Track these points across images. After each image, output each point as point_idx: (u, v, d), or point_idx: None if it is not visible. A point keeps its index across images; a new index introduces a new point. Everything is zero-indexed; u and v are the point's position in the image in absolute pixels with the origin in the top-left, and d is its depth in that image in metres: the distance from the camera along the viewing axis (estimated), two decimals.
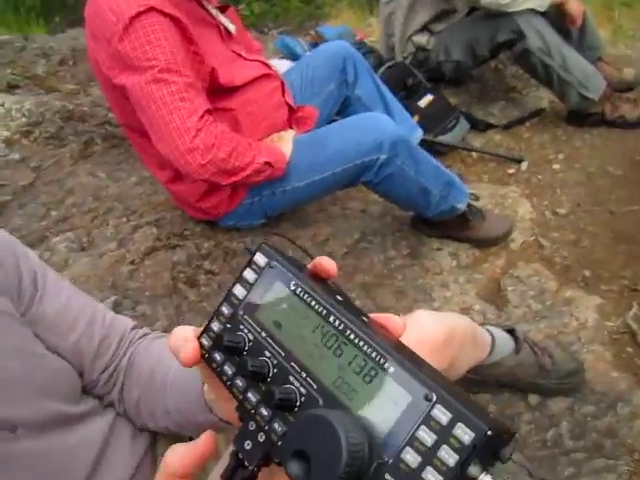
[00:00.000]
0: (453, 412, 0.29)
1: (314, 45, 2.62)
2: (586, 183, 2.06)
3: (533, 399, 1.30)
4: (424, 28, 2.39)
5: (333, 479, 0.30)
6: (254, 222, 1.71)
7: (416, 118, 2.18)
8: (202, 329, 0.42)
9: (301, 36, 2.87)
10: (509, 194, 2.04)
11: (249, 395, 0.38)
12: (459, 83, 2.60)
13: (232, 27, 1.63)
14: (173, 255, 1.64)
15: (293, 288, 0.39)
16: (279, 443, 0.35)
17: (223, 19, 1.61)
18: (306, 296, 0.38)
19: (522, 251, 1.80)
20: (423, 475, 0.29)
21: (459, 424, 0.29)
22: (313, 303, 0.38)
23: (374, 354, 0.34)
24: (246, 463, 0.37)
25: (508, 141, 2.33)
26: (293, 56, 2.50)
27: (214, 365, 0.41)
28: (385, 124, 1.55)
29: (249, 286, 0.41)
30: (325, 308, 0.37)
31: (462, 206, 1.71)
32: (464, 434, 0.28)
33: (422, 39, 2.40)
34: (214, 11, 1.59)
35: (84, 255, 1.65)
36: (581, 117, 2.28)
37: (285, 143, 1.58)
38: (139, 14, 1.30)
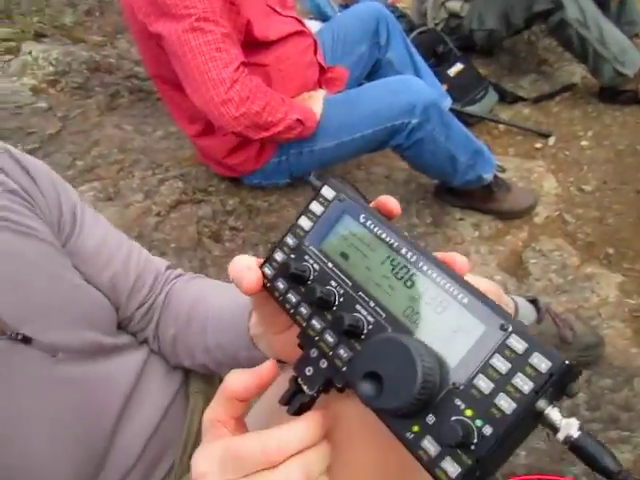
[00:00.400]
0: (530, 342, 0.30)
1: (344, 6, 2.56)
2: (614, 161, 2.03)
3: None
4: None
5: (407, 400, 0.30)
6: (279, 181, 1.71)
7: (445, 87, 2.14)
8: (264, 259, 0.43)
9: None
10: (535, 168, 2.01)
11: (313, 322, 0.38)
12: (490, 53, 2.54)
13: None
14: (198, 209, 1.65)
15: (363, 221, 0.39)
16: (344, 368, 0.36)
17: None
18: (377, 229, 0.38)
19: (545, 225, 1.79)
20: (496, 401, 0.29)
21: (536, 354, 0.29)
22: (384, 235, 0.38)
23: (447, 285, 0.34)
24: (305, 389, 0.38)
25: (537, 115, 2.29)
26: (323, 17, 2.45)
27: (276, 294, 0.41)
28: (419, 88, 1.53)
29: (316, 218, 0.41)
30: (397, 240, 0.37)
31: (488, 176, 1.70)
32: (541, 363, 0.29)
33: (456, 5, 2.35)
34: None
35: (111, 205, 1.66)
36: (614, 94, 2.23)
37: (316, 102, 1.56)
38: None
